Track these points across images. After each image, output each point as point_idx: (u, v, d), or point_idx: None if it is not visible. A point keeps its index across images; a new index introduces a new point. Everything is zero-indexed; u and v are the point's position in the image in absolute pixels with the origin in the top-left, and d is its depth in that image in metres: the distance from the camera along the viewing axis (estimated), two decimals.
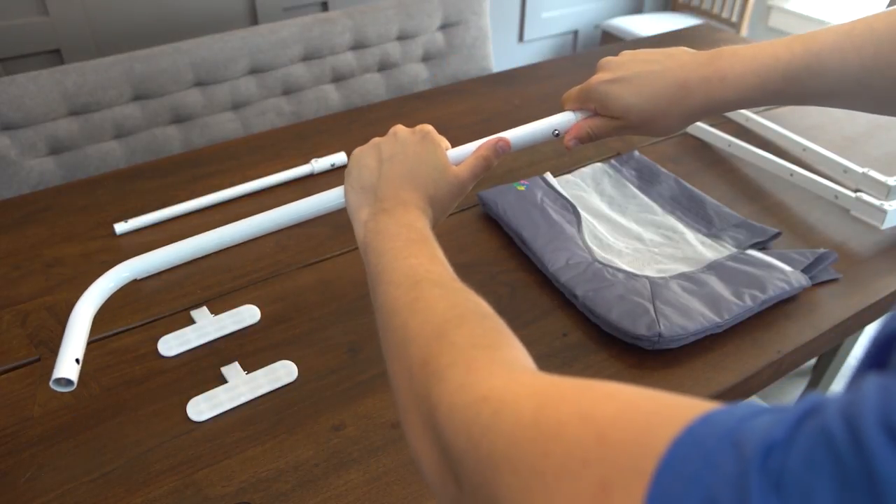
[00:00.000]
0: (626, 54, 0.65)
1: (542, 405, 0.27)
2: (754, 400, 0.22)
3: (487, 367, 0.33)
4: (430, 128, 0.59)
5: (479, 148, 0.63)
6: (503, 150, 0.63)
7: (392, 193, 0.54)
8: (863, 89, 0.57)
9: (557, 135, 0.69)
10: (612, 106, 0.64)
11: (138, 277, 0.66)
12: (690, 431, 0.23)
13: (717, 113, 0.64)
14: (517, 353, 0.37)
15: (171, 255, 0.66)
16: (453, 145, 1.21)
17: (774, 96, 0.60)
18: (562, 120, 0.69)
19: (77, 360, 0.57)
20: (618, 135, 0.67)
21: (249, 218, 0.67)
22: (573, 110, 0.69)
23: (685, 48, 0.64)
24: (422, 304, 0.41)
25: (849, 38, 0.56)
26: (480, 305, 0.41)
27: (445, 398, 0.33)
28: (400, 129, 0.60)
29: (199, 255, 0.67)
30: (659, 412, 0.24)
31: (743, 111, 1.20)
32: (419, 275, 0.44)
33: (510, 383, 0.31)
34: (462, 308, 0.40)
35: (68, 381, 0.56)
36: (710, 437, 0.22)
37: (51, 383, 0.56)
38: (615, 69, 0.64)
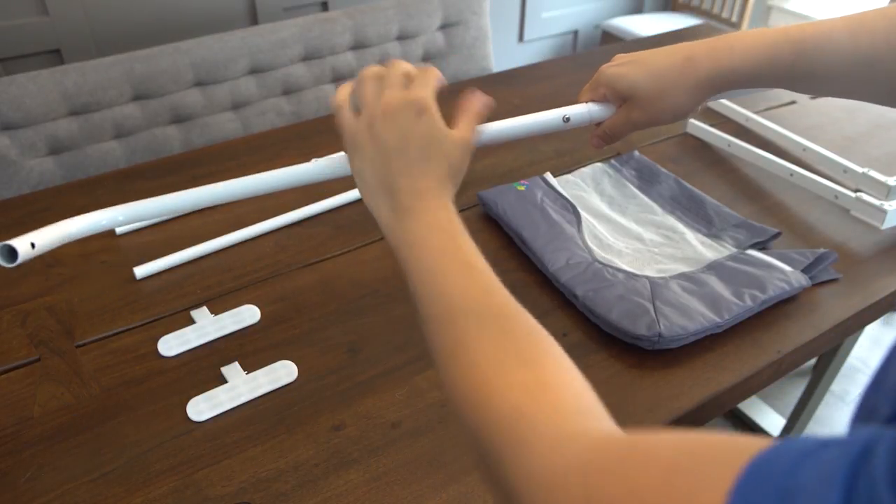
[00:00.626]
0: (635, 53, 0.66)
1: (590, 485, 0.27)
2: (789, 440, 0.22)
3: (537, 437, 0.32)
4: (423, 93, 0.55)
5: (470, 104, 0.60)
6: (488, 105, 0.60)
7: (409, 186, 0.51)
8: (873, 73, 0.56)
9: (567, 120, 0.67)
10: (619, 85, 0.63)
11: (133, 224, 0.63)
12: (739, 493, 0.22)
13: (726, 89, 0.62)
14: (570, 397, 0.36)
15: (167, 203, 0.62)
16: None
17: (784, 72, 0.58)
18: (575, 110, 0.68)
19: (32, 245, 0.54)
20: (632, 126, 0.66)
21: (256, 176, 0.64)
22: (586, 102, 0.69)
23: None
24: (461, 351, 0.40)
25: (860, 22, 0.56)
26: (525, 332, 0.40)
27: (505, 472, 0.33)
28: (391, 100, 0.53)
29: (202, 206, 0.64)
30: (700, 475, 0.24)
31: (743, 111, 1.20)
32: (455, 307, 0.42)
33: (557, 457, 0.30)
34: (504, 344, 0.39)
35: (11, 251, 0.52)
36: (761, 496, 0.22)
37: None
38: (624, 58, 0.65)
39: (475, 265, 0.44)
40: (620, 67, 0.63)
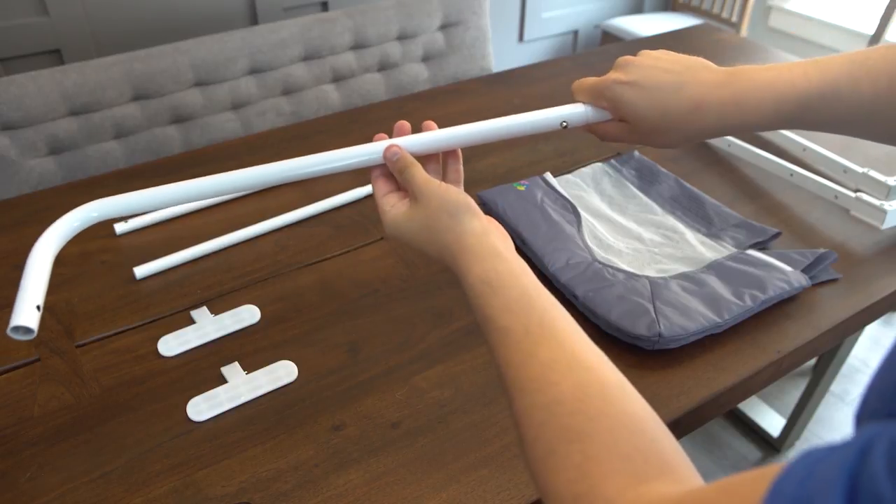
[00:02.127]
0: (646, 56, 0.63)
1: None
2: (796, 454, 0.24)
3: None
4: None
5: (451, 161, 0.60)
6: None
7: (438, 254, 0.54)
8: (875, 119, 0.57)
9: (565, 126, 0.66)
10: (624, 110, 0.63)
11: (107, 218, 0.60)
12: None
13: (728, 135, 0.63)
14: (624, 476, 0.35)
15: (146, 197, 0.58)
16: None
17: (787, 122, 0.59)
18: (572, 111, 0.66)
19: (38, 308, 0.50)
20: (625, 141, 0.66)
21: (265, 166, 0.61)
22: (584, 103, 0.67)
23: (705, 62, 0.62)
24: (519, 426, 0.41)
25: (863, 68, 0.56)
26: (570, 393, 0.39)
27: None
28: (382, 211, 0.57)
29: (181, 203, 0.60)
30: None
31: None
32: (505, 382, 0.43)
33: None
34: (549, 419, 0.39)
35: (27, 330, 0.49)
36: None
37: (8, 331, 0.50)
38: (633, 72, 0.62)
39: (506, 327, 0.44)
40: (627, 89, 0.62)
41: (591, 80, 0.66)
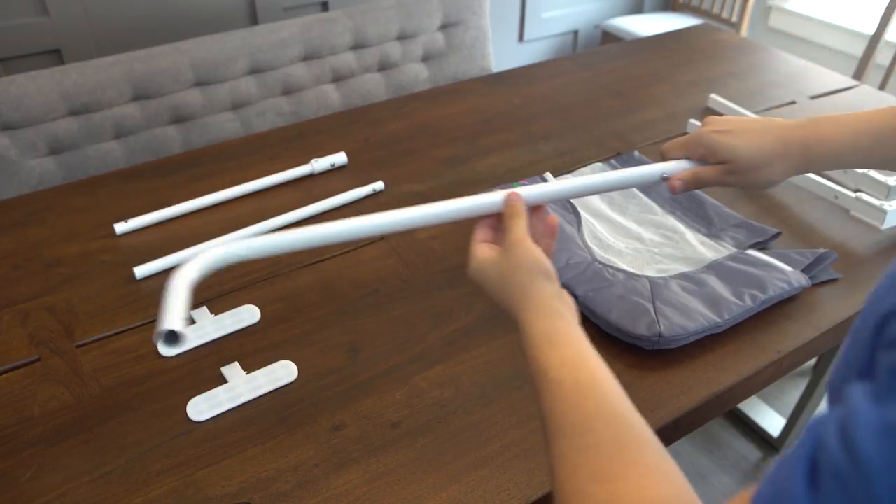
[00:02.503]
0: (729, 117, 0.73)
1: None
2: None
3: None
4: (477, 255, 0.60)
5: (547, 231, 0.63)
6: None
7: (507, 303, 0.57)
8: None
9: (666, 179, 0.73)
10: (721, 151, 0.70)
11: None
12: None
13: (815, 170, 0.72)
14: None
15: (275, 243, 0.65)
16: (453, 145, 1.22)
17: (863, 158, 0.68)
18: (673, 166, 0.73)
19: (187, 320, 0.53)
20: (722, 184, 0.72)
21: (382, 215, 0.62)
22: (678, 158, 0.74)
23: (780, 119, 0.72)
24: (555, 467, 0.43)
25: None
26: (610, 443, 0.42)
27: None
28: (472, 255, 0.61)
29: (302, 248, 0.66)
30: None
31: (743, 111, 1.20)
32: (547, 428, 0.46)
33: None
34: (583, 461, 0.42)
35: (176, 336, 0.52)
36: None
37: (156, 341, 0.53)
38: (725, 123, 0.72)
39: (557, 379, 0.47)
40: (722, 135, 0.70)
41: (682, 138, 0.74)
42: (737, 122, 0.71)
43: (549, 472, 0.44)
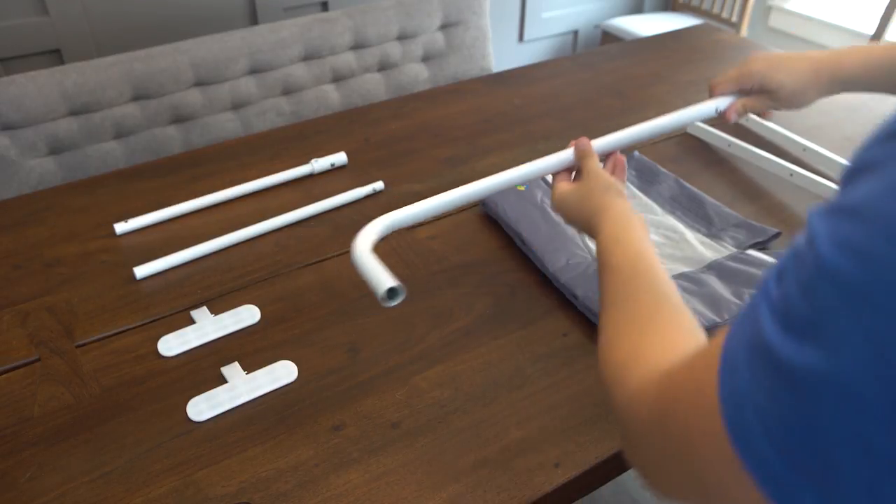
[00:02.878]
0: (768, 53, 0.86)
1: (662, 399, 0.39)
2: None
3: (627, 385, 0.44)
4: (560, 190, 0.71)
5: (618, 165, 0.73)
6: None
7: (586, 218, 0.66)
8: None
9: (718, 112, 0.86)
10: (769, 84, 0.84)
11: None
12: (723, 363, 0.33)
13: (840, 91, 0.84)
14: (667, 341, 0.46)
15: (432, 205, 0.74)
16: (453, 145, 1.22)
17: (877, 81, 0.80)
18: (724, 101, 0.86)
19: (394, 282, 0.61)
20: (767, 108, 0.86)
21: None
22: (725, 94, 0.87)
23: (810, 52, 0.85)
24: (603, 317, 0.53)
25: None
26: (647, 302, 0.50)
27: (611, 398, 0.46)
28: (554, 187, 0.72)
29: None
30: (705, 370, 0.34)
31: None
32: (612, 298, 0.54)
33: (637, 397, 0.42)
34: (631, 314, 0.50)
35: (395, 291, 0.60)
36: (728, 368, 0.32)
37: (382, 303, 0.60)
38: (767, 60, 0.84)
39: (618, 266, 0.55)
40: (771, 71, 0.84)
41: (732, 73, 0.86)
42: (778, 58, 0.84)
43: (600, 344, 0.50)
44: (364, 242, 0.65)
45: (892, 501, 0.26)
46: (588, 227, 0.65)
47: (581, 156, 0.72)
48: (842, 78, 0.82)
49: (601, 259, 0.58)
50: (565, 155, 0.74)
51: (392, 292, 0.60)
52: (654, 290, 0.51)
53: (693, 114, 0.84)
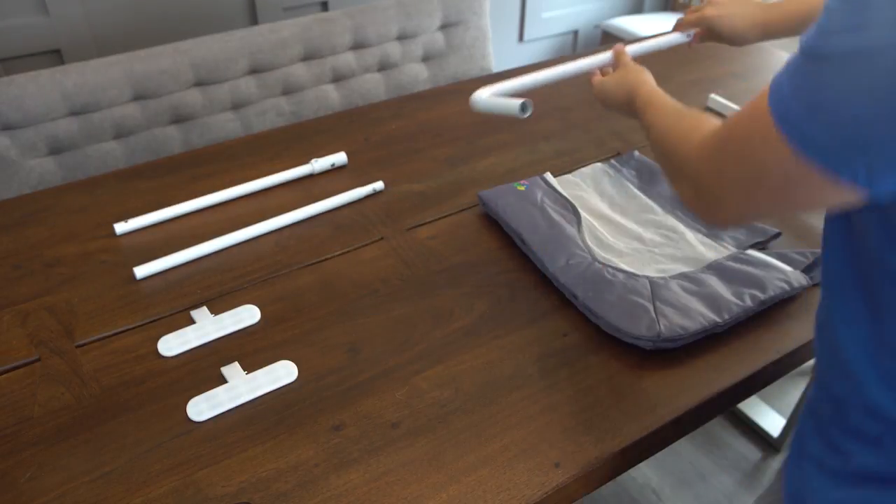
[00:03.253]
0: (722, 1, 1.00)
1: (720, 135, 0.51)
2: None
3: (689, 140, 0.57)
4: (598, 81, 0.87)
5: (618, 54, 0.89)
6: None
7: (624, 95, 0.80)
8: None
9: (688, 38, 1.03)
10: (719, 27, 0.97)
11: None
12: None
13: (773, 38, 0.98)
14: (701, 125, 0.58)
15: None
16: (453, 145, 1.21)
17: (795, 25, 0.94)
18: (690, 33, 1.02)
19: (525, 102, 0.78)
20: (717, 41, 1.01)
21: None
22: (687, 31, 1.02)
23: (754, 3, 0.99)
24: (659, 127, 0.67)
25: None
26: (686, 116, 0.64)
27: (673, 151, 0.60)
28: (593, 80, 0.87)
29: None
30: (758, 99, 0.45)
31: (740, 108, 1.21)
32: (656, 121, 0.68)
33: (697, 142, 0.55)
34: (678, 117, 0.65)
35: (526, 105, 0.77)
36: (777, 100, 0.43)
37: (518, 113, 0.77)
38: (720, 6, 0.98)
39: (659, 104, 0.71)
40: (722, 19, 0.97)
41: (693, 16, 1.01)
42: (729, 7, 0.98)
43: (660, 141, 0.64)
44: (482, 92, 0.82)
45: None
46: (628, 96, 0.78)
47: (617, 55, 0.88)
48: (771, 29, 0.98)
49: (646, 106, 0.72)
50: (605, 55, 0.91)
51: (524, 107, 0.77)
52: (688, 114, 0.64)
53: (671, 40, 1.03)
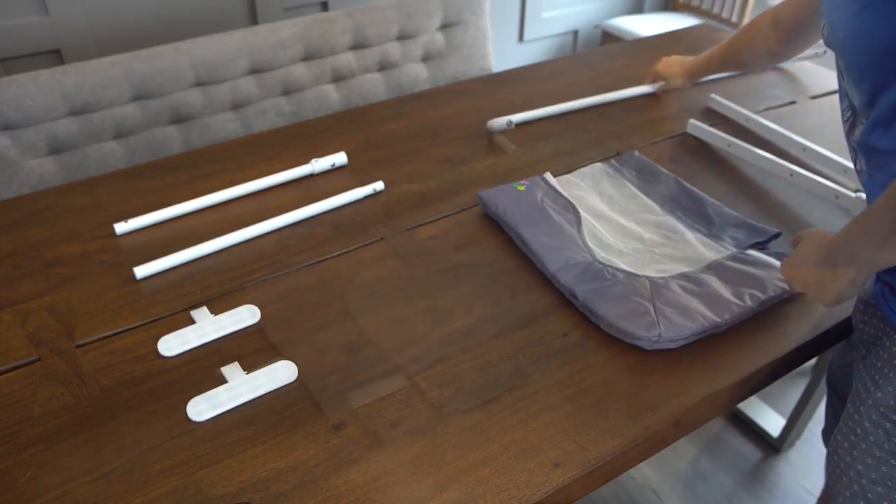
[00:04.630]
0: (672, 59, 1.31)
1: None
2: None
3: None
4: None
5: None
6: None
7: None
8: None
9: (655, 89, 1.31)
10: (666, 77, 1.29)
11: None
12: None
13: (699, 80, 1.31)
14: None
15: None
16: (453, 145, 1.22)
17: (714, 67, 1.23)
18: (657, 85, 1.31)
19: None
20: (670, 88, 1.31)
21: None
22: (657, 81, 1.31)
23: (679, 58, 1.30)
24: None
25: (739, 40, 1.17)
26: None
27: None
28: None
29: None
30: None
31: (743, 111, 1.20)
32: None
33: None
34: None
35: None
36: None
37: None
38: (665, 63, 1.30)
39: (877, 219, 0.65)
40: (665, 72, 1.29)
41: (655, 70, 1.31)
42: (671, 63, 1.29)
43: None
44: None
45: None
46: (853, 255, 0.70)
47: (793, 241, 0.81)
48: (695, 74, 1.26)
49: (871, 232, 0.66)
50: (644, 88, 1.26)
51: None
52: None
53: (640, 90, 1.31)
